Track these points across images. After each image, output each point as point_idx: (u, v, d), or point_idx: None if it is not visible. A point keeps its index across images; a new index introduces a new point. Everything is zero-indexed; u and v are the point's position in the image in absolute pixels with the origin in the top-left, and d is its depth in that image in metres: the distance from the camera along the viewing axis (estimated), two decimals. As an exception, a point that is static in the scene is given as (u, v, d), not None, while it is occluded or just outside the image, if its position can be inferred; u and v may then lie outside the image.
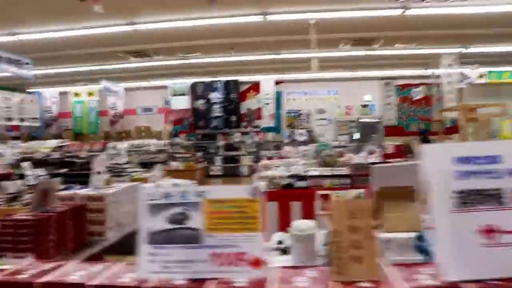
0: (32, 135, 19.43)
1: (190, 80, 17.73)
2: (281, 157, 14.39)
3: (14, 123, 7.13)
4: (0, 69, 6.90)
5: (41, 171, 6.98)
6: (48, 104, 19.07)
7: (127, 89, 18.46)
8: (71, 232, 2.23)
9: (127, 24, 9.43)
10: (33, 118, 7.86)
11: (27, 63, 7.41)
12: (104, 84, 11.94)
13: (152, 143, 13.43)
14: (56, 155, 10.02)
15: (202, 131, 18.40)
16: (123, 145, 10.72)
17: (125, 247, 2.84)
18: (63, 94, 18.93)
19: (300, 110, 18.29)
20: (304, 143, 16.70)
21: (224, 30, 10.32)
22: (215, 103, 17.97)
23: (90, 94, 18.77)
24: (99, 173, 2.78)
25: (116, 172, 9.40)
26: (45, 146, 10.58)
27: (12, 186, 5.88)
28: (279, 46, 12.33)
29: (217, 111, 17.99)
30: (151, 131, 18.38)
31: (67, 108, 19.22)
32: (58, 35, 9.87)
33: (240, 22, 9.67)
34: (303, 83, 17.80)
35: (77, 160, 10.25)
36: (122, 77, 15.05)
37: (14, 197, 5.64)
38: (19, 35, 9.71)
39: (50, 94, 18.98)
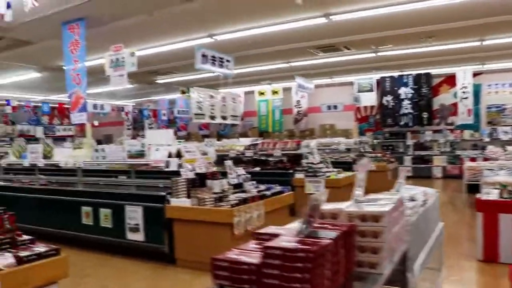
0: (220, 133, 20.47)
1: (376, 75, 16.77)
2: (487, 159, 12.70)
3: (217, 121, 7.13)
4: (205, 69, 6.89)
5: (240, 170, 6.81)
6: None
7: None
8: (343, 263, 1.64)
9: (322, 16, 8.94)
10: (233, 116, 7.80)
11: (228, 61, 7.34)
12: (297, 80, 11.67)
13: (342, 142, 12.79)
14: (248, 153, 9.99)
15: (390, 129, 17.28)
16: (311, 143, 10.29)
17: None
18: (248, 93, 19.48)
19: (503, 105, 16.00)
20: (509, 142, 14.61)
21: (424, 15, 9.21)
22: (404, 98, 16.66)
23: (274, 92, 19.00)
24: (360, 184, 2.15)
25: (310, 172, 9.03)
26: (239, 144, 10.67)
27: (217, 185, 5.73)
28: (484, 30, 10.70)
29: (406, 107, 16.65)
30: (336, 129, 17.89)
31: (253, 107, 19.75)
32: (250, 33, 9.87)
33: (444, 4, 8.45)
34: (508, 73, 15.54)
35: (271, 159, 10.11)
36: (309, 74, 14.73)
37: (220, 198, 5.47)
38: (215, 36, 9.96)
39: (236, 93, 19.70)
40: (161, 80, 16.76)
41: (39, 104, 16.54)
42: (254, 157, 10.18)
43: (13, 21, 6.17)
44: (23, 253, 3.07)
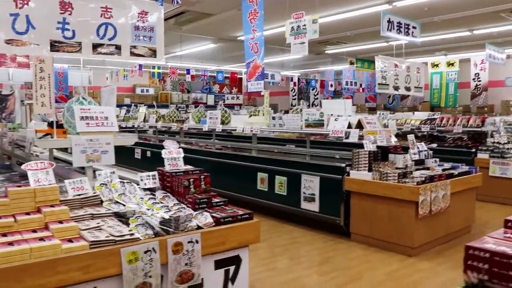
0: (386, 106, 19.65)
1: None
2: None
3: (401, 92, 6.67)
4: (391, 36, 6.47)
5: (422, 145, 6.32)
6: (405, 75, 18.79)
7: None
8: None
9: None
10: (416, 88, 7.26)
11: (414, 27, 6.79)
12: (488, 50, 10.45)
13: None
14: (424, 128, 9.32)
15: None
16: (497, 120, 9.21)
17: None
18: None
19: None
20: None
21: None
22: None
23: (449, 64, 17.48)
24: None
25: (496, 153, 8.11)
26: (414, 118, 10.04)
27: (401, 160, 5.37)
28: None
29: None
30: (521, 106, 15.94)
31: (425, 80, 18.49)
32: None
33: None
34: None
35: (449, 135, 9.33)
36: (495, 43, 13.21)
37: (404, 173, 5.12)
38: (394, 2, 9.37)
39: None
40: (330, 50, 16.54)
41: (213, 74, 17.54)
42: (431, 132, 9.49)
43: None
44: (220, 214, 3.15)
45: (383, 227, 5.24)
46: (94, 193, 3.20)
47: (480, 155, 8.27)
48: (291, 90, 20.75)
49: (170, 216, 2.87)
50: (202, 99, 23.00)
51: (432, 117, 9.60)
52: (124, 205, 3.10)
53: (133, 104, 14.59)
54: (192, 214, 3.02)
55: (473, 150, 8.46)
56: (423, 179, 4.97)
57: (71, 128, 3.72)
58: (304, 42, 6.31)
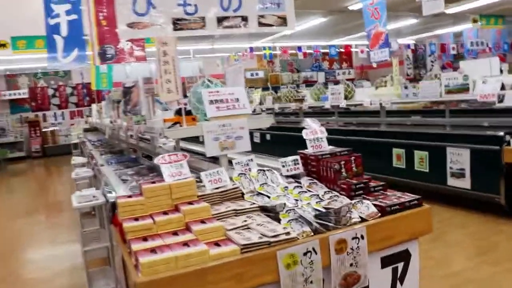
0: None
1: None
2: None
3: None
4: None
5: None
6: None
7: None
8: None
9: None
10: None
11: None
12: None
13: None
14: None
15: None
16: None
17: None
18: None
19: None
20: None
21: None
22: None
23: None
24: None
25: None
26: None
27: None
28: None
29: None
30: None
31: None
32: None
33: None
34: None
35: None
36: None
37: None
38: None
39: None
40: (450, 9, 14.98)
41: (325, 51, 16.81)
42: None
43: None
44: (384, 202, 2.61)
45: None
46: (233, 185, 2.82)
47: None
48: (405, 59, 19.41)
49: (327, 208, 2.39)
50: (313, 77, 22.43)
51: None
52: (268, 197, 2.69)
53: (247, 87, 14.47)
54: (351, 203, 2.51)
55: None
56: None
57: (198, 115, 3.40)
58: (439, -4, 5.47)
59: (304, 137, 3.13)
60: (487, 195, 5.05)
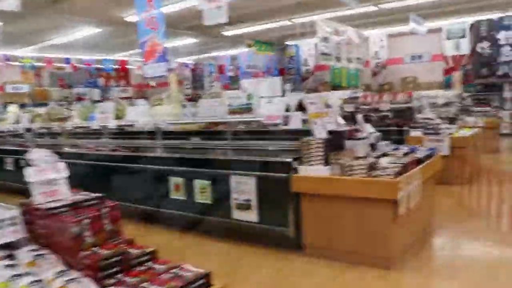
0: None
1: (469, 19, 14.65)
2: None
3: (343, 64, 5.63)
4: None
5: (369, 128, 5.42)
6: (305, 57, 18.28)
7: (390, 36, 16.32)
8: None
9: None
10: (358, 59, 6.28)
11: None
12: (412, 21, 9.59)
13: (440, 95, 11.02)
14: (348, 107, 8.45)
15: (483, 81, 15.14)
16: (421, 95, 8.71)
17: None
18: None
19: None
20: None
21: None
22: (504, 44, 14.43)
23: (348, 43, 17.17)
24: None
25: (429, 129, 7.48)
26: (332, 98, 9.16)
27: (362, 147, 4.28)
28: None
29: (507, 54, 14.43)
30: (418, 82, 15.96)
31: (324, 60, 18.03)
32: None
33: None
34: None
35: (373, 115, 8.58)
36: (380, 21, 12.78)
37: (371, 164, 3.99)
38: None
39: (307, 47, 18.07)
40: (228, 32, 15.18)
41: (101, 66, 15.37)
42: (356, 112, 8.66)
43: None
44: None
45: (347, 236, 4.10)
46: None
47: (413, 133, 7.61)
48: (185, 79, 19.30)
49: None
50: (87, 94, 20.59)
51: (354, 95, 8.76)
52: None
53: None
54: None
55: (405, 128, 7.83)
56: (397, 169, 3.88)
57: None
58: (221, 6, 4.94)
59: (28, 180, 2.04)
60: (277, 228, 4.57)
